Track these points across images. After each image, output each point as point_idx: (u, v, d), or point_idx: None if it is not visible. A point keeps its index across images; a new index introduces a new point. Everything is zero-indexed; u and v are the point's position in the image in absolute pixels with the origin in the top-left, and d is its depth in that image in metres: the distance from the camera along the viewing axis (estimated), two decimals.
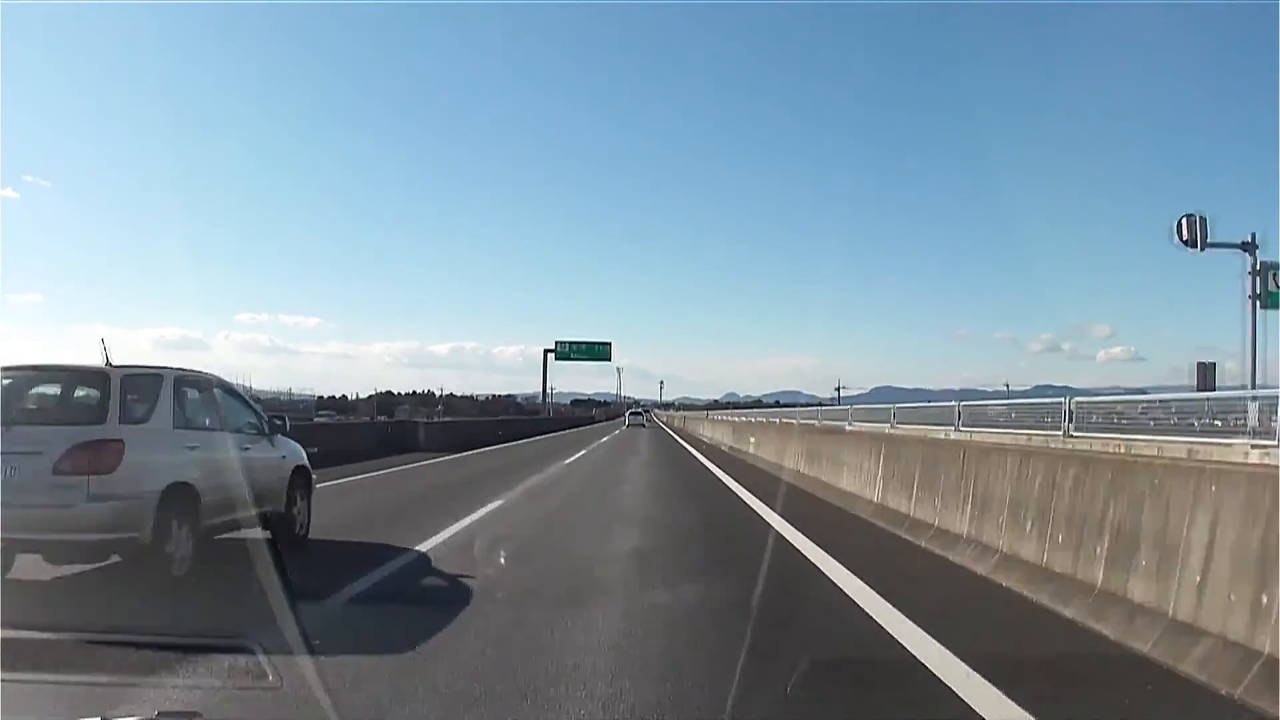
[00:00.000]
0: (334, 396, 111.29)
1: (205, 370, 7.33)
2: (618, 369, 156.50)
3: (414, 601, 5.70)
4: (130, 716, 2.32)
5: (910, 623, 4.82)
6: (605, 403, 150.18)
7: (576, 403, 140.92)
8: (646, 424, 72.24)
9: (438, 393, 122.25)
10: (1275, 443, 6.01)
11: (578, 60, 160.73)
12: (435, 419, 41.91)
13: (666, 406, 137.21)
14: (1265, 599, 3.56)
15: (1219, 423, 7.51)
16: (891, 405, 16.53)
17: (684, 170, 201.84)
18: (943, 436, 11.90)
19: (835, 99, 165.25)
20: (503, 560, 6.91)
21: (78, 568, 5.95)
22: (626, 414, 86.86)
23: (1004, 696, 3.53)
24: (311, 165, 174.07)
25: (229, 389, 7.65)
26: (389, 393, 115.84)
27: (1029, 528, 5.85)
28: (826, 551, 7.34)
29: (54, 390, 6.35)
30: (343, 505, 10.61)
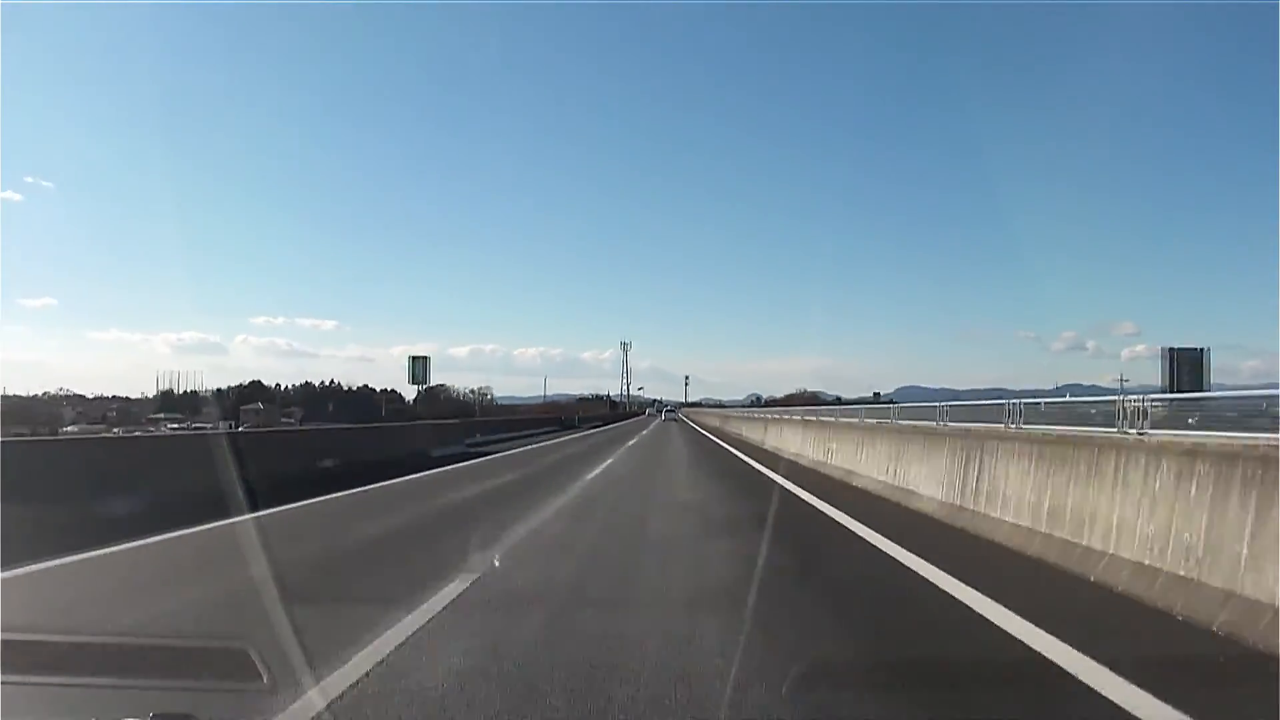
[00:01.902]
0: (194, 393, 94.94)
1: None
2: (623, 344, 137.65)
3: None
4: (123, 717, 2.29)
5: None
6: (616, 401, 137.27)
7: (584, 400, 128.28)
8: (679, 419, 76.54)
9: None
10: None
11: (592, 61, 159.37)
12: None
13: (693, 406, 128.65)
14: None
15: None
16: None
17: (700, 172, 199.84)
18: None
19: (851, 97, 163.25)
20: None
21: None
22: (662, 413, 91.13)
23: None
24: (328, 166, 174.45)
25: None
26: (257, 383, 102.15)
27: None
28: None
29: None
30: None
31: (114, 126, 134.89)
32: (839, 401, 71.04)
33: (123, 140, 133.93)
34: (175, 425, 63.65)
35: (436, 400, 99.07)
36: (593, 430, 50.93)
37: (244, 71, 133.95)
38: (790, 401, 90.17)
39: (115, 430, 53.71)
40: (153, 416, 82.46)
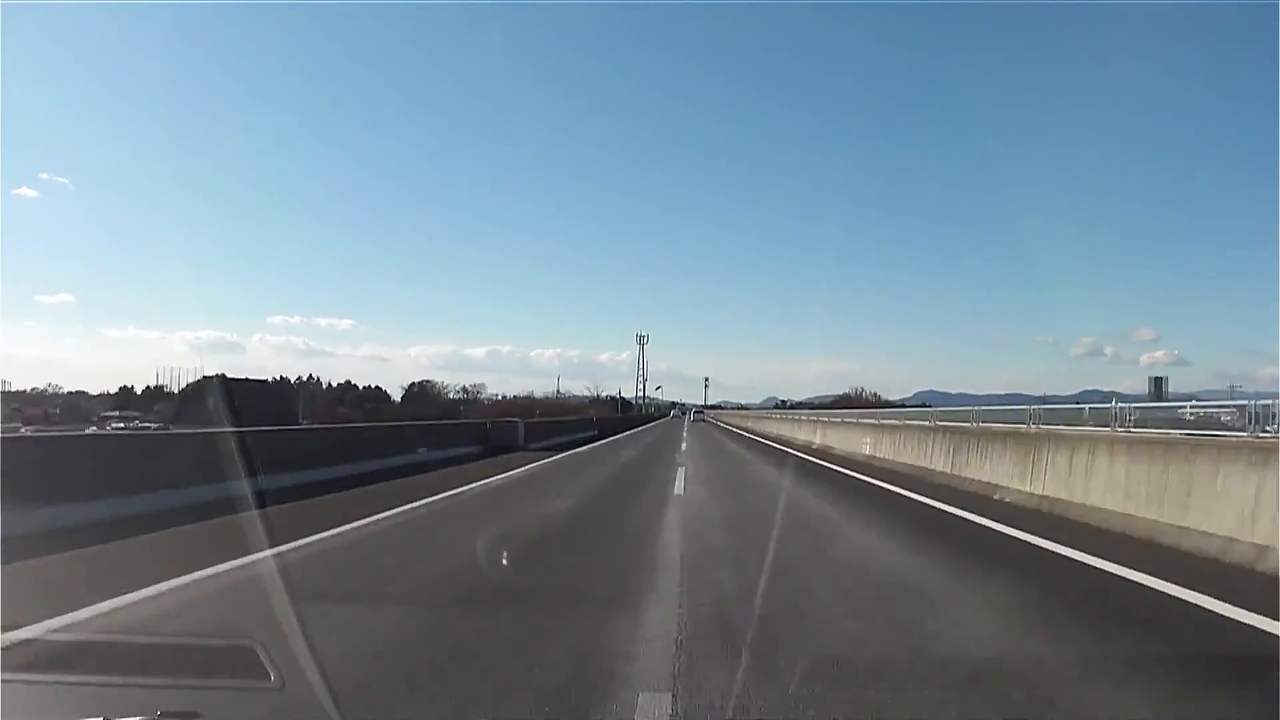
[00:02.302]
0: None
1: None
2: (639, 337, 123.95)
3: None
4: (131, 717, 2.24)
5: None
6: (630, 401, 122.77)
7: (595, 401, 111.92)
8: (705, 420, 72.19)
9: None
10: None
11: (608, 61, 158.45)
12: None
13: (713, 409, 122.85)
14: None
15: None
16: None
17: (717, 175, 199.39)
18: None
19: (866, 100, 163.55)
20: None
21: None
22: (689, 413, 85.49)
23: None
24: (344, 167, 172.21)
25: None
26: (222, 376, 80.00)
27: None
28: None
29: None
30: None
31: (131, 124, 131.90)
32: (877, 403, 64.54)
33: (140, 138, 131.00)
34: (120, 425, 61.81)
35: (426, 399, 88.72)
36: (516, 471, 17.70)
37: (259, 71, 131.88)
38: (845, 404, 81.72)
39: (25, 429, 50.01)
40: (105, 414, 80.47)
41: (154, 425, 50.59)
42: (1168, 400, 28.90)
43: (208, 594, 5.41)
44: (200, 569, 6.00)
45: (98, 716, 2.21)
